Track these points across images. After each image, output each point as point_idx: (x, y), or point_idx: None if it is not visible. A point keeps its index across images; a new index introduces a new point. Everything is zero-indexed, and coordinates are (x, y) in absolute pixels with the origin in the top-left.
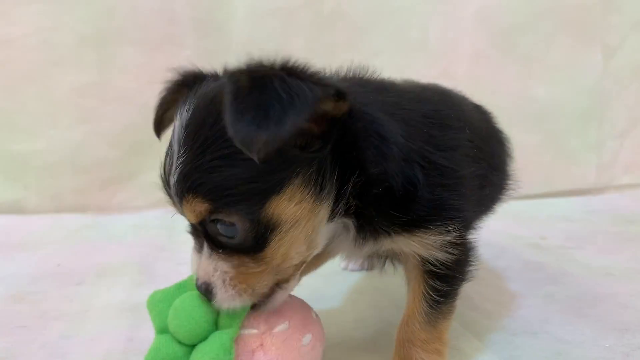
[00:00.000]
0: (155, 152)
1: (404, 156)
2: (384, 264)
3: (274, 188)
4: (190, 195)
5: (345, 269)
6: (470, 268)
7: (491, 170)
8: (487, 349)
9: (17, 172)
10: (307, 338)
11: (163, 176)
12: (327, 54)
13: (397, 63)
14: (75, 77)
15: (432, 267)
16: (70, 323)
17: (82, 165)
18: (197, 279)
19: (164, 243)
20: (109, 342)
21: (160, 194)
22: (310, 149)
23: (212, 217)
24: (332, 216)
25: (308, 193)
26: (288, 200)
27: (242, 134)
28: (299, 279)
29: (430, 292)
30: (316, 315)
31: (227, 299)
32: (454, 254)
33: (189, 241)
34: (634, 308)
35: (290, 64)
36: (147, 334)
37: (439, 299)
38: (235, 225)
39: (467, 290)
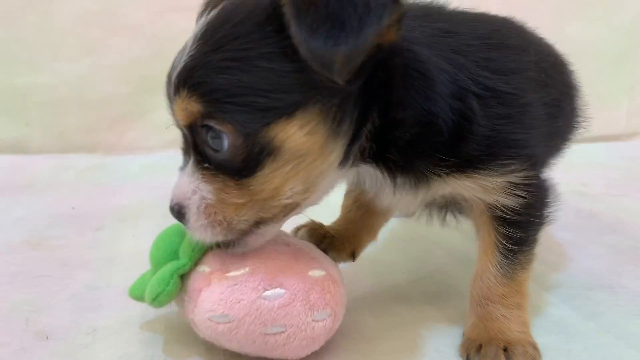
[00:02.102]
0: None
1: (453, 91)
2: (444, 216)
3: (286, 109)
4: (187, 91)
5: None
6: (548, 210)
7: (563, 97)
8: (564, 305)
9: (17, 109)
10: (275, 292)
11: (167, 77)
12: None
13: None
14: (79, 5)
15: (500, 213)
16: (96, 272)
17: (89, 102)
18: (171, 199)
19: None
20: None
21: (174, 133)
22: None
23: (204, 122)
24: (345, 161)
25: (323, 127)
26: (298, 127)
27: (319, 52)
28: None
29: (503, 241)
30: (328, 276)
31: (198, 228)
32: (523, 197)
33: None
34: None
35: None
36: None
37: (514, 247)
38: (225, 136)
39: None
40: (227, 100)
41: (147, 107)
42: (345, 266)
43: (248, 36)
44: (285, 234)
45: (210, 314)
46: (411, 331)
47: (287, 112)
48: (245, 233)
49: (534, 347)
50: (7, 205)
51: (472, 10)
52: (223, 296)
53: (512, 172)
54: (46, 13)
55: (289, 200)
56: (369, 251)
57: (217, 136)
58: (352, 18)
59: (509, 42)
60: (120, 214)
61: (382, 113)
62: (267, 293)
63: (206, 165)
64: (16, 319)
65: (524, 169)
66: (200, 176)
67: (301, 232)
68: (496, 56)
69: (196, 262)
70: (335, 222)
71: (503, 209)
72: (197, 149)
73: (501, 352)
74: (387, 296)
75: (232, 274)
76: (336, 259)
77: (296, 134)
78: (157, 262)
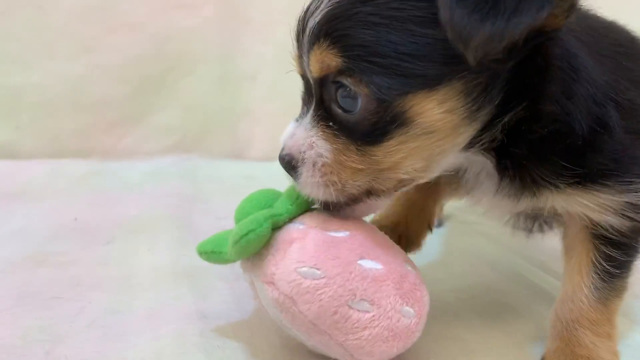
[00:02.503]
0: (167, 89)
1: (597, 95)
2: (532, 226)
3: (429, 80)
4: (326, 43)
5: None
6: None
7: None
8: None
9: (8, 110)
10: (372, 263)
11: (300, 21)
12: None
13: None
14: (75, 0)
15: (605, 232)
16: (113, 293)
17: (84, 103)
18: (282, 148)
19: (192, 193)
20: (174, 319)
21: (174, 138)
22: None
23: (338, 78)
24: (469, 146)
25: (462, 105)
26: (438, 102)
27: (461, 23)
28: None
29: (603, 262)
30: (418, 276)
31: (310, 184)
32: (632, 219)
33: (218, 191)
34: None
35: None
36: (219, 306)
37: (614, 271)
38: (359, 98)
39: None
40: (370, 59)
41: (147, 109)
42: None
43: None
44: None
45: (299, 265)
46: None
47: (429, 83)
48: (355, 199)
49: None
50: (1, 216)
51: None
52: (318, 251)
53: (633, 191)
54: (40, 8)
55: (406, 176)
56: None
57: (350, 95)
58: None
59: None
60: (130, 225)
61: (530, 104)
62: (364, 262)
63: (330, 123)
64: (33, 351)
65: None
66: (321, 133)
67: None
68: (633, 67)
69: (291, 219)
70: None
71: (609, 228)
72: (321, 103)
73: None
74: (444, 319)
75: (332, 233)
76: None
77: (434, 110)
78: (247, 214)
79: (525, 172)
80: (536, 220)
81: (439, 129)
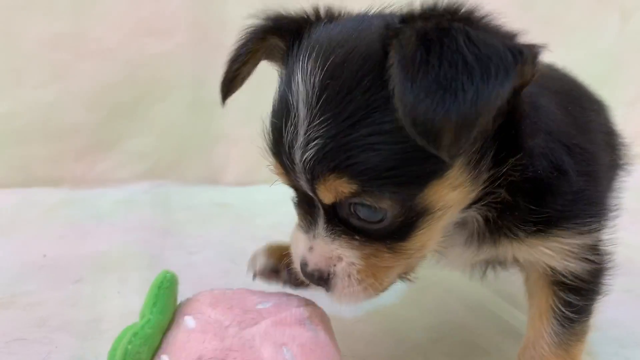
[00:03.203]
0: (140, 116)
1: (553, 142)
2: (485, 270)
3: (437, 171)
4: (334, 175)
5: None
6: (608, 279)
7: (617, 154)
8: None
9: None
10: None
11: (281, 146)
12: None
13: None
14: (45, 27)
15: (563, 279)
16: (81, 339)
17: (55, 131)
18: (305, 264)
19: (164, 225)
20: None
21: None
22: None
23: (356, 200)
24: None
25: (468, 175)
26: (449, 184)
27: (422, 122)
28: None
29: (562, 308)
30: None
31: (348, 294)
32: (594, 262)
33: (191, 222)
34: None
35: (468, 12)
36: None
37: (573, 316)
38: (385, 210)
39: None
40: (382, 176)
41: (119, 136)
42: (363, 323)
43: (385, 104)
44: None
45: None
46: None
47: (439, 173)
48: (387, 288)
49: None
50: None
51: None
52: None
53: (590, 232)
54: (8, 35)
55: (431, 250)
56: (383, 303)
57: (372, 209)
58: (466, 82)
59: (584, 102)
60: (100, 262)
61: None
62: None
63: (354, 234)
64: None
65: (599, 229)
66: (345, 244)
67: (259, 253)
68: (579, 115)
69: None
70: None
71: (568, 275)
72: (334, 217)
73: None
74: (411, 358)
75: None
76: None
77: (448, 192)
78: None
79: (490, 223)
80: (491, 264)
81: (455, 203)
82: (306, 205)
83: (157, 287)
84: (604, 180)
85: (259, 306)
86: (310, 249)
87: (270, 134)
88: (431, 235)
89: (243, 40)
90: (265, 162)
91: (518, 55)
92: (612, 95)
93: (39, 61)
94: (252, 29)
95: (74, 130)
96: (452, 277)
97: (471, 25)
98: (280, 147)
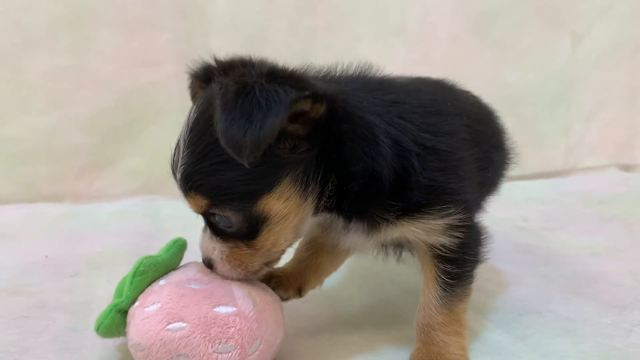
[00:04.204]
0: (133, 138)
1: (398, 151)
2: (400, 254)
3: (265, 188)
4: (192, 192)
5: None
6: (482, 249)
7: (492, 150)
8: (498, 329)
9: None
10: (177, 325)
11: (172, 167)
12: (308, 38)
13: (376, 48)
14: (48, 60)
15: (439, 252)
16: (75, 315)
17: (57, 153)
18: (202, 254)
19: (152, 231)
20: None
21: (139, 181)
22: (298, 150)
23: (211, 211)
24: (316, 211)
25: (295, 191)
26: (277, 198)
27: (232, 142)
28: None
29: (442, 276)
30: (236, 312)
31: (224, 271)
32: (459, 237)
33: (176, 229)
34: (626, 286)
35: (274, 67)
36: None
37: (452, 281)
38: (230, 218)
39: None
40: (223, 194)
41: (113, 156)
42: (309, 301)
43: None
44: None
45: (131, 342)
46: (363, 357)
47: (266, 190)
48: (259, 271)
49: None
50: None
51: (418, 77)
52: (138, 327)
53: (449, 215)
54: (15, 68)
55: (284, 246)
56: (330, 287)
57: (225, 218)
58: (257, 114)
59: (446, 109)
60: (94, 261)
61: (337, 171)
62: (170, 326)
63: (220, 234)
64: None
65: (458, 213)
66: (217, 239)
67: None
68: (435, 121)
69: (134, 300)
70: (286, 263)
71: (441, 248)
72: (211, 224)
73: None
74: (344, 328)
75: (147, 309)
76: (284, 296)
77: (277, 204)
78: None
79: (364, 215)
80: (402, 248)
81: (288, 212)
82: (203, 218)
83: (134, 271)
84: (465, 173)
85: None
86: (203, 243)
87: (170, 161)
88: (279, 236)
89: (189, 86)
90: None
91: (292, 98)
92: (569, 113)
93: (42, 91)
94: (190, 76)
95: (74, 152)
96: (395, 267)
97: (270, 75)
98: (172, 171)
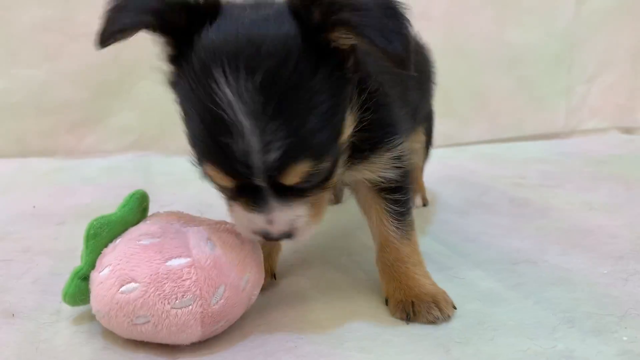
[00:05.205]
0: (125, 93)
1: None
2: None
3: (343, 114)
4: (300, 164)
5: None
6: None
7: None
8: (491, 278)
9: None
10: (129, 286)
11: (227, 157)
12: None
13: None
14: (37, 12)
15: (385, 185)
16: (58, 260)
17: (47, 107)
18: (268, 234)
19: (142, 186)
20: None
21: (132, 137)
22: (353, 69)
23: (312, 172)
24: None
25: (350, 111)
26: (348, 121)
27: (399, 56)
28: None
29: (393, 206)
30: (190, 263)
31: (307, 234)
32: (402, 167)
33: (167, 184)
34: (622, 238)
35: None
36: None
37: (401, 209)
38: (325, 167)
39: (460, 223)
40: (326, 146)
41: (105, 111)
42: (303, 251)
43: (315, 91)
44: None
45: (93, 310)
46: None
47: (343, 116)
48: None
49: (447, 295)
50: None
51: None
52: (95, 294)
53: (395, 147)
54: (3, 20)
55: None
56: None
57: (320, 172)
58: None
59: None
60: (81, 211)
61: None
62: (123, 288)
63: (305, 195)
64: None
65: (403, 142)
66: (298, 205)
67: None
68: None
69: (94, 264)
70: None
71: (385, 181)
72: (287, 192)
73: (433, 305)
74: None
75: (101, 273)
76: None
77: (348, 126)
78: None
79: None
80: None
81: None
82: (249, 193)
83: (86, 235)
84: (396, 109)
85: (206, 216)
86: (270, 221)
87: (208, 149)
88: (340, 166)
89: (127, 19)
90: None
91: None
92: (570, 74)
93: (32, 43)
94: (137, 16)
95: (64, 106)
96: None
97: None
98: (225, 158)
